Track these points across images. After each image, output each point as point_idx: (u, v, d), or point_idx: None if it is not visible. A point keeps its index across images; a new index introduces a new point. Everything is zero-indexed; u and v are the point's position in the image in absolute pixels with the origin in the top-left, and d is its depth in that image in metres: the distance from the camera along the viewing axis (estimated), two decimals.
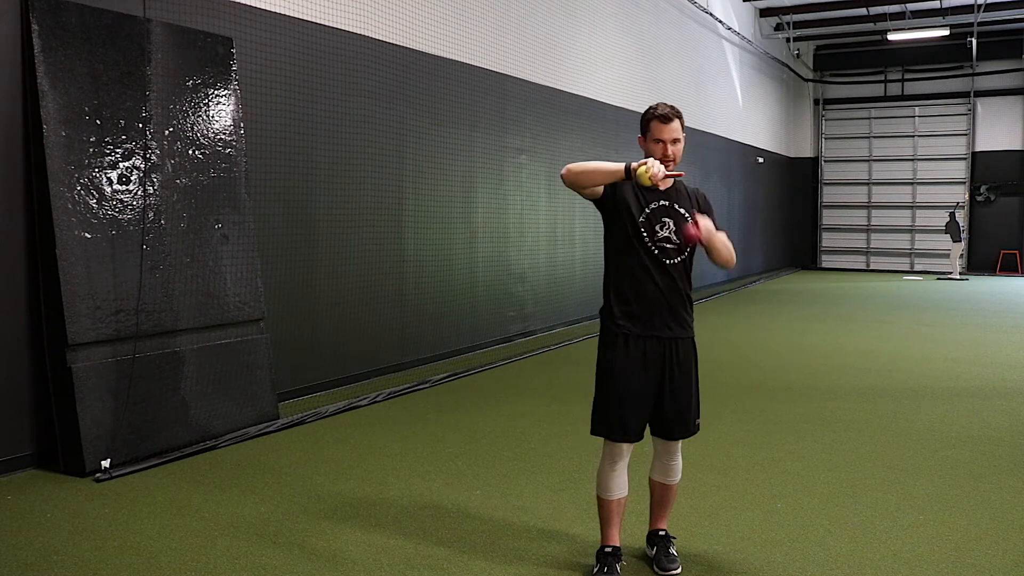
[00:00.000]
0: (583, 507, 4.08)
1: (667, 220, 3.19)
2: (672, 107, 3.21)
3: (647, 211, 3.19)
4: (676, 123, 3.18)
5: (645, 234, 3.18)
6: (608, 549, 3.32)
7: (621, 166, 3.05)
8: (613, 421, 3.24)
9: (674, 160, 3.18)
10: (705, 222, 3.13)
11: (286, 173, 6.41)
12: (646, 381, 3.21)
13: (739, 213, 18.04)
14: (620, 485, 3.31)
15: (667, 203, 3.21)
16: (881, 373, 7.67)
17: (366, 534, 3.79)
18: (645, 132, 3.24)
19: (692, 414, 3.33)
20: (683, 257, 3.22)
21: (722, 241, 3.17)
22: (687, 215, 3.20)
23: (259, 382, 5.65)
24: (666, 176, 3.05)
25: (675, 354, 3.23)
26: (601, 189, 3.18)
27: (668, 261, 3.20)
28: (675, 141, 3.19)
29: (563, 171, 3.13)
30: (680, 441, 3.39)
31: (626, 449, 3.27)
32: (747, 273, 18.72)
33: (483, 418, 5.96)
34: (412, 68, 7.72)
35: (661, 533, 3.48)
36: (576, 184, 3.14)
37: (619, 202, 3.20)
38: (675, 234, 3.19)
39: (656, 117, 3.19)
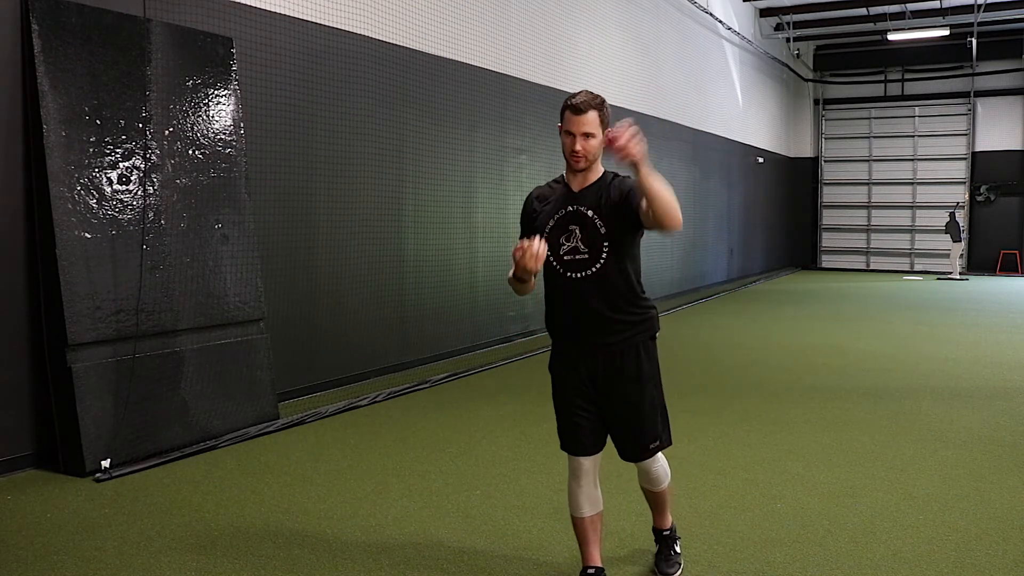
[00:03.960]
0: None
1: (573, 228, 2.86)
2: (593, 97, 2.82)
3: (551, 223, 2.90)
4: (591, 115, 2.78)
5: (548, 252, 2.83)
6: (590, 571, 3.09)
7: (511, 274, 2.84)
8: (563, 433, 3.04)
9: (586, 158, 2.83)
10: (631, 136, 2.54)
11: (286, 173, 6.41)
12: (583, 392, 2.96)
13: (739, 213, 18.04)
14: (590, 502, 3.04)
15: (573, 207, 2.88)
16: (881, 373, 7.66)
17: (366, 534, 3.79)
18: (561, 121, 2.87)
19: (642, 432, 2.97)
20: (599, 266, 2.85)
21: (660, 186, 2.61)
22: (596, 217, 2.85)
23: (259, 382, 5.65)
24: (531, 260, 2.66)
25: (611, 370, 2.93)
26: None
27: (576, 275, 2.86)
28: (587, 136, 2.80)
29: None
30: (645, 462, 3.07)
31: (586, 464, 3.00)
32: (747, 273, 18.72)
33: (483, 418, 5.96)
34: (412, 68, 7.72)
35: (665, 533, 3.37)
36: (522, 290, 2.94)
37: (537, 223, 2.94)
38: (583, 242, 2.85)
39: (569, 107, 2.81)
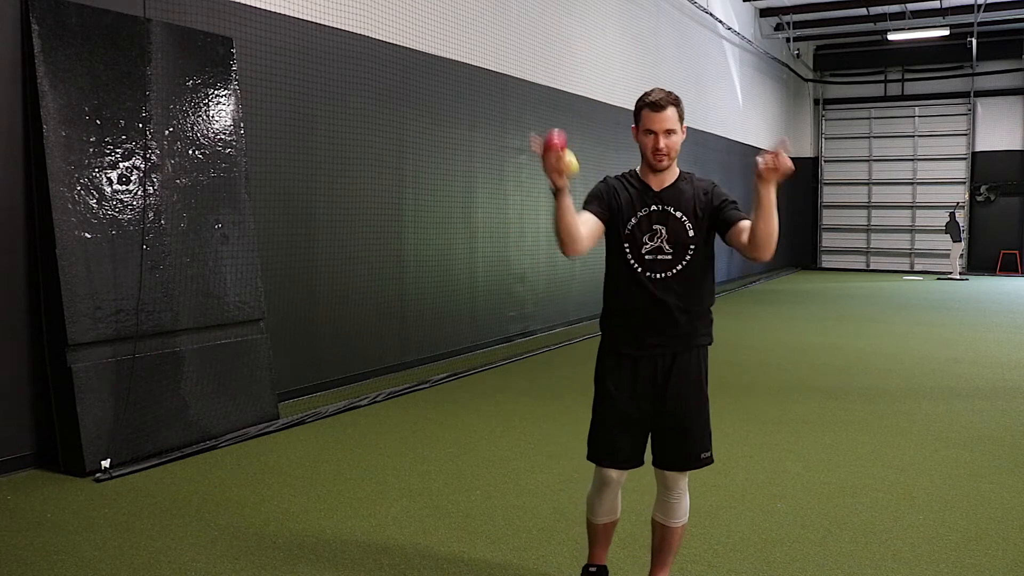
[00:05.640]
0: (583, 508, 4.07)
1: (658, 228, 2.80)
2: (668, 93, 2.80)
3: (634, 221, 2.81)
4: (671, 111, 2.76)
5: (628, 248, 2.80)
6: (592, 569, 3.15)
7: (554, 195, 2.63)
8: (600, 445, 2.96)
9: (669, 155, 2.79)
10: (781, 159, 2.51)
11: (286, 173, 6.41)
12: (636, 404, 2.87)
13: None
14: (609, 509, 3.06)
15: (659, 207, 2.81)
16: (881, 373, 7.67)
17: (366, 534, 3.79)
18: (637, 122, 2.84)
19: (694, 442, 2.88)
20: (681, 267, 2.80)
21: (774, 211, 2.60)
22: (685, 218, 2.80)
23: (259, 382, 5.65)
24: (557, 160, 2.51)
25: (672, 372, 2.85)
26: (600, 226, 2.78)
27: (656, 276, 2.79)
28: (669, 132, 2.77)
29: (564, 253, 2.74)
30: (681, 475, 2.94)
31: (615, 476, 2.97)
32: (747, 273, 18.72)
33: (483, 418, 5.96)
34: (412, 68, 7.72)
35: None
36: (574, 244, 2.69)
37: (615, 212, 2.83)
38: (668, 243, 2.78)
39: (647, 105, 2.77)
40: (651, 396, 2.87)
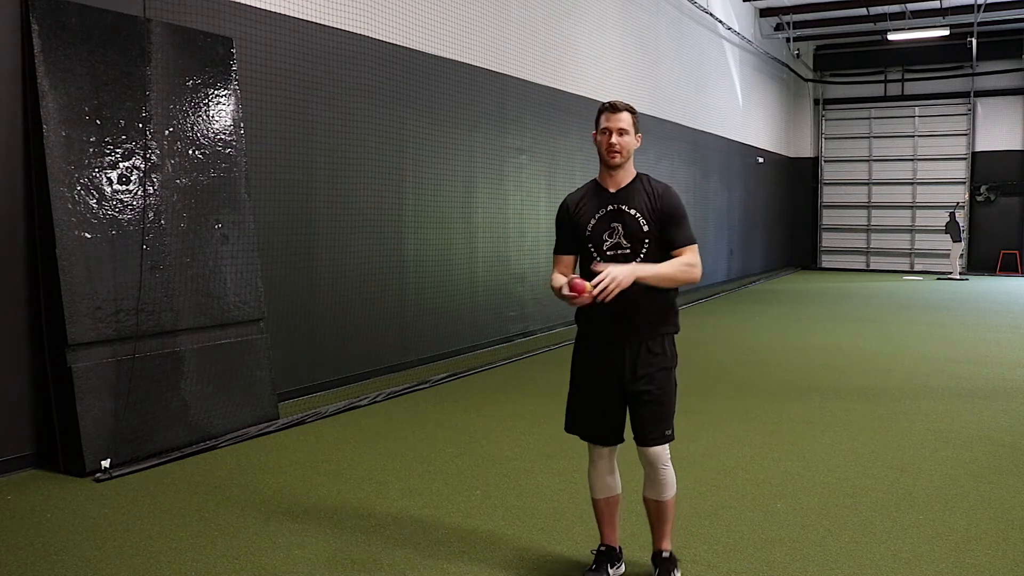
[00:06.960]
0: (583, 507, 4.07)
1: (616, 225, 3.08)
2: (627, 103, 3.13)
3: (593, 222, 3.10)
4: (625, 115, 3.07)
5: (592, 247, 3.10)
6: (603, 548, 3.30)
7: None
8: (575, 421, 3.25)
9: (621, 153, 3.05)
10: (612, 271, 2.88)
11: (286, 173, 6.41)
12: (605, 385, 3.12)
13: (739, 213, 18.04)
14: (605, 485, 3.25)
15: (614, 206, 3.08)
16: (881, 373, 7.67)
17: (366, 534, 3.80)
18: (597, 125, 3.14)
19: (663, 417, 3.10)
20: (640, 259, 3.04)
21: (660, 274, 2.98)
22: (639, 215, 3.05)
23: (259, 382, 5.65)
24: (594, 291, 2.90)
25: (637, 357, 3.08)
26: (574, 256, 3.18)
27: None
28: (622, 132, 3.05)
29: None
30: (657, 451, 3.12)
31: (603, 451, 3.22)
32: (747, 273, 18.72)
33: (483, 418, 5.96)
34: (412, 68, 7.72)
35: (664, 555, 3.24)
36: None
37: (576, 227, 3.14)
38: (625, 238, 3.06)
39: (606, 107, 3.10)
40: (620, 380, 3.11)
